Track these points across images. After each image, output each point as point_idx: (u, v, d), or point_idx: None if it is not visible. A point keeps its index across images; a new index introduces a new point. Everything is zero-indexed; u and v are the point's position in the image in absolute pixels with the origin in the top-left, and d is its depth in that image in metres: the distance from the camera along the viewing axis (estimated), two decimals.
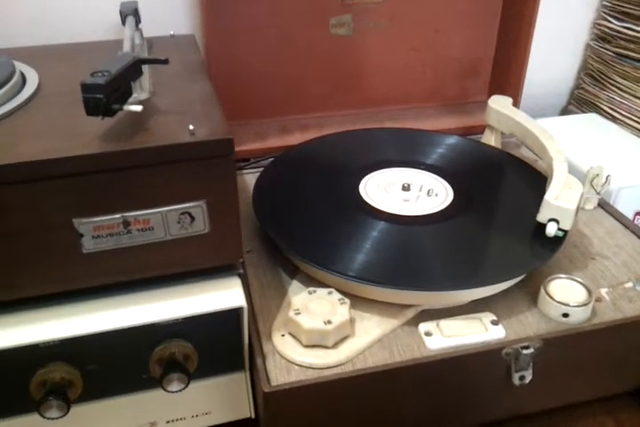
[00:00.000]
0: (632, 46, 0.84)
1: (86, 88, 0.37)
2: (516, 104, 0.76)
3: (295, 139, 0.75)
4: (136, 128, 0.42)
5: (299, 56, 0.76)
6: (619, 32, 0.86)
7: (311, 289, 0.51)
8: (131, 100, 0.43)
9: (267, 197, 0.61)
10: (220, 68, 0.72)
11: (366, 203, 0.60)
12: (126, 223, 0.41)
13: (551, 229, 0.54)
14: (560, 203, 0.53)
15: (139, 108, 0.40)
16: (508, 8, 0.80)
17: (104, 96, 0.37)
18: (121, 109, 0.40)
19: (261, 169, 0.67)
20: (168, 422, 0.51)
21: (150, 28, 0.62)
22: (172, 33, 0.63)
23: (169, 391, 0.46)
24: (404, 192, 0.61)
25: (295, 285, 0.55)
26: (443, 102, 0.86)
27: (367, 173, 0.65)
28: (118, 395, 0.48)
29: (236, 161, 0.72)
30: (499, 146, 0.74)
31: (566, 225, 0.54)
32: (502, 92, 0.76)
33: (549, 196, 0.54)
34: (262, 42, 0.74)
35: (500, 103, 0.72)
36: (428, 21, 0.79)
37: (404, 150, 0.70)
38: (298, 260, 0.55)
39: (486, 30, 0.82)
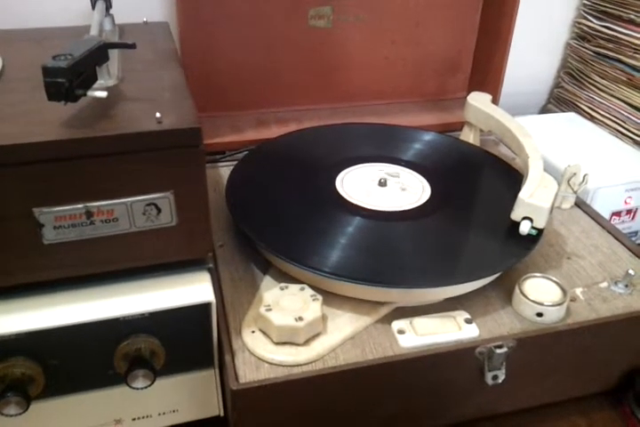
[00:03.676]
0: (611, 46, 0.84)
1: (48, 72, 0.36)
2: (495, 101, 0.76)
3: (272, 132, 0.74)
4: (101, 115, 0.41)
5: (276, 47, 0.75)
6: (598, 31, 0.87)
7: (283, 285, 0.50)
8: (96, 85, 0.41)
9: (240, 191, 0.60)
10: (194, 58, 0.71)
11: (342, 198, 0.59)
12: (89, 214, 0.40)
13: (525, 228, 0.53)
14: (534, 201, 0.53)
15: (103, 94, 0.39)
16: (488, 4, 0.80)
17: (66, 80, 0.36)
18: (84, 95, 0.38)
19: (236, 162, 0.65)
20: (134, 419, 0.50)
21: (123, 14, 0.61)
22: (145, 20, 0.62)
23: (134, 388, 0.45)
24: (381, 188, 0.61)
25: (267, 280, 0.54)
26: (422, 98, 0.85)
27: (344, 168, 0.64)
28: (82, 391, 0.47)
29: (210, 153, 0.72)
30: (477, 143, 0.74)
31: (540, 223, 0.53)
32: (482, 89, 0.76)
33: (523, 194, 0.54)
34: (239, 32, 0.73)
35: (479, 100, 0.72)
36: (408, 15, 0.78)
37: (382, 146, 0.69)
38: (270, 255, 0.54)
39: (466, 26, 0.82)
